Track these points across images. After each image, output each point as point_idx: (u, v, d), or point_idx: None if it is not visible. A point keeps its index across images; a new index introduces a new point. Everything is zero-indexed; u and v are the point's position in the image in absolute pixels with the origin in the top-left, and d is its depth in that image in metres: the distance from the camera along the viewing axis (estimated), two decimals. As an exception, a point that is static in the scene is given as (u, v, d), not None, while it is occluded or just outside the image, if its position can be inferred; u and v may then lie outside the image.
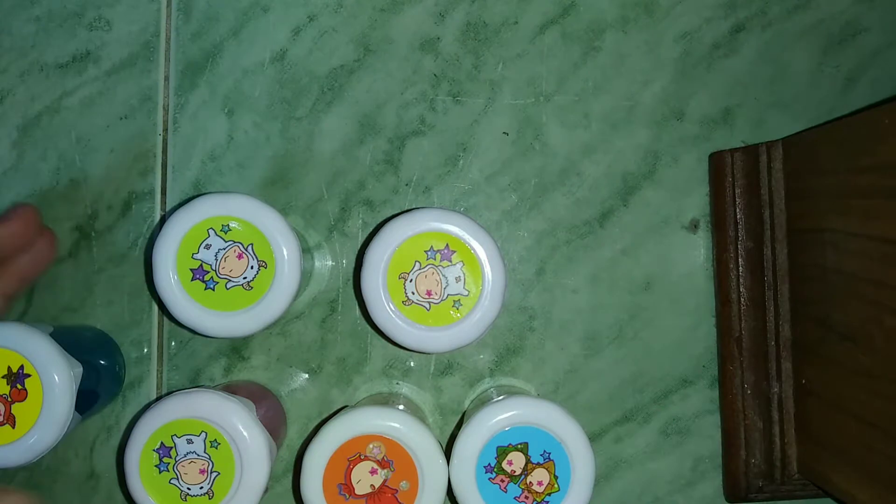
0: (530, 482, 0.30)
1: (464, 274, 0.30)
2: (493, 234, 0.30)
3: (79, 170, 0.37)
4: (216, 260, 0.29)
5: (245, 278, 0.30)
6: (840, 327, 0.30)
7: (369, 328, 0.37)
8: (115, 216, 0.37)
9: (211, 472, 0.29)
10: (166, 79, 0.37)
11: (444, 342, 0.30)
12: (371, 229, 0.37)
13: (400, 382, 0.37)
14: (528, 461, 0.30)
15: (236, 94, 0.37)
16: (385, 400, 0.34)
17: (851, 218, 0.30)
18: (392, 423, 0.29)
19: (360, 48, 0.37)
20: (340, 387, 0.37)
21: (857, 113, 0.30)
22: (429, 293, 0.30)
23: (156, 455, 0.29)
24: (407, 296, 0.30)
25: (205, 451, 0.29)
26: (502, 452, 0.30)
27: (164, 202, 0.37)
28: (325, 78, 0.37)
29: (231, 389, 0.32)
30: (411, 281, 0.30)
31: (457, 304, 0.30)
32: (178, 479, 0.29)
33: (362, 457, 0.30)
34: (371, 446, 0.30)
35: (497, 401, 0.30)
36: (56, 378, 0.29)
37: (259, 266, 0.30)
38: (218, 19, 0.37)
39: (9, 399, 0.29)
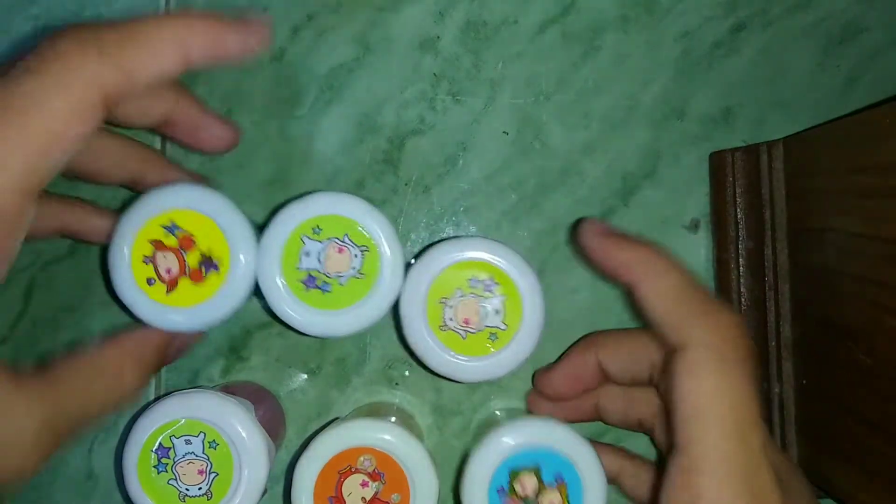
0: None
1: (504, 308, 0.30)
2: (533, 268, 0.30)
3: (77, 169, 0.37)
4: (320, 263, 0.29)
5: (354, 268, 0.29)
6: (841, 328, 0.30)
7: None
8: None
9: (209, 473, 0.29)
10: (165, 78, 0.37)
11: (476, 373, 0.30)
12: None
13: (395, 389, 0.37)
14: (540, 484, 0.29)
15: (235, 93, 0.37)
16: (377, 411, 0.34)
17: (852, 218, 0.29)
18: (383, 436, 0.29)
19: (360, 47, 0.37)
20: (339, 387, 0.37)
21: (858, 112, 0.30)
22: (466, 321, 0.30)
23: (154, 456, 0.29)
24: (445, 321, 0.30)
25: (203, 452, 0.29)
26: (514, 475, 0.29)
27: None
28: (325, 77, 0.37)
29: (229, 390, 0.32)
30: (451, 307, 0.30)
31: (493, 336, 0.30)
32: (176, 479, 0.29)
33: (353, 469, 0.29)
34: (362, 459, 0.29)
35: (508, 422, 0.30)
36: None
37: (361, 251, 0.29)
38: (217, 18, 0.37)
39: (187, 273, 0.29)
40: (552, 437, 0.29)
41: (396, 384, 0.37)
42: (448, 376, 0.30)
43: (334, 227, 0.30)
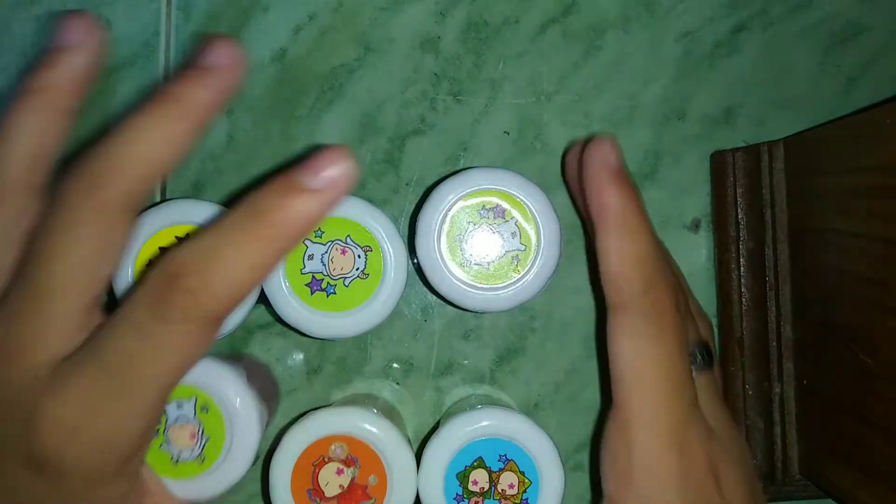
0: (502, 490, 0.30)
1: (518, 229, 0.30)
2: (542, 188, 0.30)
3: (78, 169, 0.37)
4: (324, 265, 0.30)
5: (358, 269, 0.30)
6: (842, 328, 0.30)
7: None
8: (115, 215, 0.37)
9: (201, 437, 0.29)
10: (166, 78, 0.37)
11: (508, 299, 0.30)
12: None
13: (396, 388, 0.37)
14: (490, 472, 0.30)
15: (236, 93, 0.37)
16: (361, 402, 0.34)
17: (853, 218, 0.29)
18: (351, 421, 0.29)
19: (361, 47, 0.37)
20: (340, 387, 0.37)
21: (859, 113, 0.30)
22: (487, 253, 0.30)
23: None
24: (465, 258, 0.30)
25: (195, 416, 0.29)
26: (463, 478, 0.30)
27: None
28: (326, 77, 0.37)
29: (224, 357, 0.32)
30: (467, 242, 0.30)
31: (515, 259, 0.30)
32: (168, 443, 0.29)
33: (326, 459, 0.29)
34: (333, 447, 0.29)
35: (433, 438, 0.30)
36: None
37: (364, 252, 0.30)
38: (218, 18, 0.37)
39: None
40: (475, 429, 0.30)
41: (397, 383, 0.37)
42: (483, 310, 0.30)
43: (336, 228, 0.30)
